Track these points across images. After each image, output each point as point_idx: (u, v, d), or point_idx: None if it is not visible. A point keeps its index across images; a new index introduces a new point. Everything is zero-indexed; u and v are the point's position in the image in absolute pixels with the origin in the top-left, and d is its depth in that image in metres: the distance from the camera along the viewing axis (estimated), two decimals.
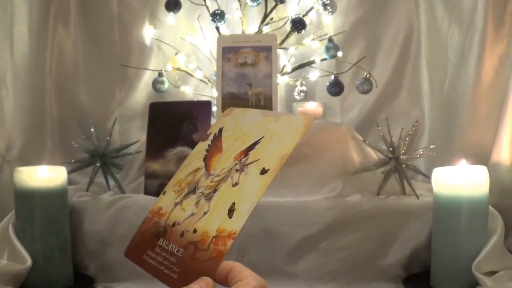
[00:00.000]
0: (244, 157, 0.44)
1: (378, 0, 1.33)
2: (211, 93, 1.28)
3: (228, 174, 0.44)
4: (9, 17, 1.18)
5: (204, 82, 1.30)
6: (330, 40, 1.20)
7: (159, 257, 0.43)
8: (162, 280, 0.42)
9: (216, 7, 1.25)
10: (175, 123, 1.05)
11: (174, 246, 0.43)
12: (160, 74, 1.28)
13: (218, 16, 1.22)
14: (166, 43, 1.32)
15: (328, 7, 1.25)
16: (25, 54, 1.22)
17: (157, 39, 1.33)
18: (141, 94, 1.36)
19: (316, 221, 0.92)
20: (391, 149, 1.02)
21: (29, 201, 0.89)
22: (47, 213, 0.89)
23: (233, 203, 0.42)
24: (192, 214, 0.43)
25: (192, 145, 1.03)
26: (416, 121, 1.22)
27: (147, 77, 1.34)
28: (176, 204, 0.46)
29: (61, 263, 0.91)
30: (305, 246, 0.92)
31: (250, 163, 0.44)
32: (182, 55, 1.31)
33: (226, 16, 1.23)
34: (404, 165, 1.02)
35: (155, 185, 1.04)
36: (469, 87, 1.13)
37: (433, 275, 0.87)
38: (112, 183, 1.07)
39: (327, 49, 1.19)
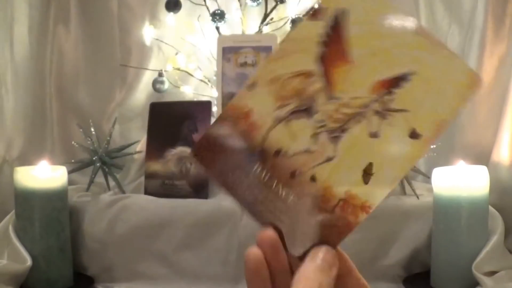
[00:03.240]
0: (387, 93, 0.32)
1: None
2: (211, 93, 1.28)
3: (363, 111, 0.32)
4: (9, 17, 1.18)
5: (204, 82, 1.30)
6: None
7: (255, 190, 0.33)
8: (262, 223, 0.33)
9: (216, 7, 1.25)
10: (175, 123, 1.05)
11: (280, 186, 0.32)
12: (160, 74, 1.28)
13: (218, 16, 1.22)
14: (166, 43, 1.32)
15: None
16: (25, 54, 1.22)
17: (157, 39, 1.33)
18: (141, 94, 1.36)
19: None
20: None
21: (29, 201, 0.89)
22: (47, 213, 0.89)
23: (370, 164, 0.31)
24: (308, 152, 0.32)
25: (192, 145, 1.03)
26: None
27: (147, 77, 1.34)
28: (279, 120, 0.32)
29: (61, 263, 0.91)
30: None
31: (396, 110, 0.31)
32: (182, 55, 1.31)
33: (226, 16, 1.23)
34: None
35: (155, 185, 1.04)
36: None
37: (433, 275, 0.87)
38: (112, 183, 1.07)
39: None
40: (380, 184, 0.31)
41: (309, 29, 0.32)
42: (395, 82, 0.32)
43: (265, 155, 0.32)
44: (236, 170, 0.33)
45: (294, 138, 0.32)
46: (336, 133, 0.32)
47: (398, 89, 0.31)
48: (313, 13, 0.33)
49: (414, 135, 0.31)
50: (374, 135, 0.32)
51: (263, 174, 0.32)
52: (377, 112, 0.32)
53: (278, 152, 0.32)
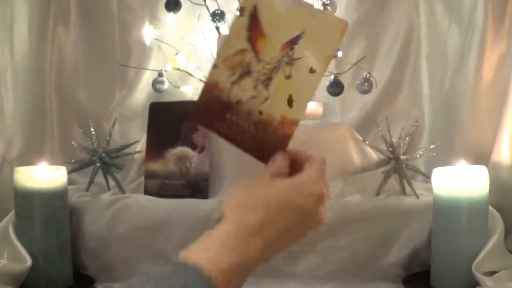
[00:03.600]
0: (290, 49, 0.50)
1: (378, 0, 1.33)
2: None
3: (279, 65, 0.50)
4: (9, 17, 1.18)
5: (204, 82, 1.30)
6: None
7: (233, 129, 0.51)
8: (245, 150, 0.52)
9: (216, 7, 1.25)
10: (175, 123, 1.05)
11: (244, 122, 0.51)
12: (160, 74, 1.28)
13: (218, 16, 1.22)
14: (166, 43, 1.32)
15: (328, 7, 1.25)
16: (25, 54, 1.22)
17: (157, 39, 1.33)
18: (141, 94, 1.36)
19: None
20: (391, 149, 1.02)
21: (29, 201, 0.89)
22: (47, 213, 0.89)
23: (291, 95, 0.50)
24: (253, 97, 0.50)
25: (192, 145, 1.03)
26: (416, 121, 1.22)
27: (147, 77, 1.34)
28: (233, 82, 0.51)
29: (61, 263, 0.91)
30: (305, 246, 0.92)
31: (297, 58, 0.50)
32: (182, 55, 1.31)
33: (226, 16, 1.23)
34: (404, 165, 1.01)
35: (155, 185, 1.03)
36: (469, 87, 1.13)
37: (433, 275, 0.87)
38: (112, 183, 1.07)
39: None
40: (299, 106, 0.51)
41: (240, 23, 0.50)
42: (293, 41, 0.50)
43: (231, 106, 0.51)
44: (218, 120, 0.51)
45: (244, 91, 0.50)
46: (266, 82, 0.50)
47: (296, 45, 0.50)
48: (240, 12, 0.51)
49: (312, 71, 0.50)
50: (288, 77, 0.50)
51: (233, 118, 0.51)
52: (287, 63, 0.50)
53: (238, 102, 0.51)
